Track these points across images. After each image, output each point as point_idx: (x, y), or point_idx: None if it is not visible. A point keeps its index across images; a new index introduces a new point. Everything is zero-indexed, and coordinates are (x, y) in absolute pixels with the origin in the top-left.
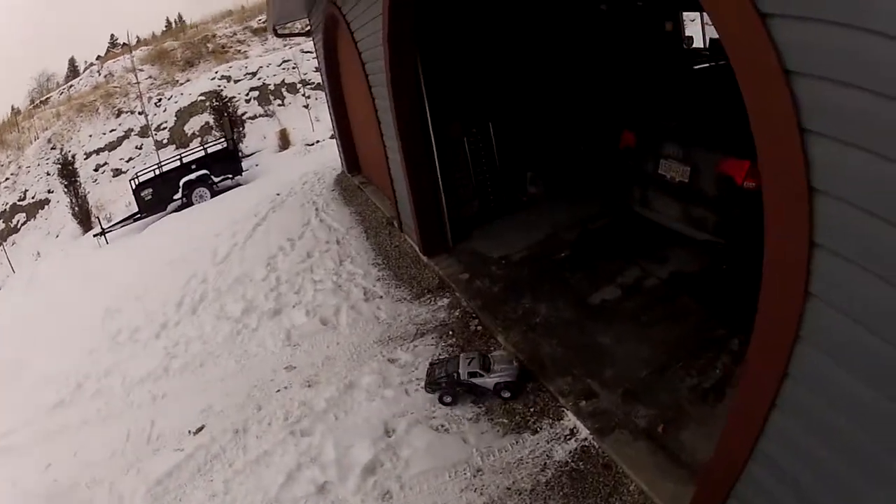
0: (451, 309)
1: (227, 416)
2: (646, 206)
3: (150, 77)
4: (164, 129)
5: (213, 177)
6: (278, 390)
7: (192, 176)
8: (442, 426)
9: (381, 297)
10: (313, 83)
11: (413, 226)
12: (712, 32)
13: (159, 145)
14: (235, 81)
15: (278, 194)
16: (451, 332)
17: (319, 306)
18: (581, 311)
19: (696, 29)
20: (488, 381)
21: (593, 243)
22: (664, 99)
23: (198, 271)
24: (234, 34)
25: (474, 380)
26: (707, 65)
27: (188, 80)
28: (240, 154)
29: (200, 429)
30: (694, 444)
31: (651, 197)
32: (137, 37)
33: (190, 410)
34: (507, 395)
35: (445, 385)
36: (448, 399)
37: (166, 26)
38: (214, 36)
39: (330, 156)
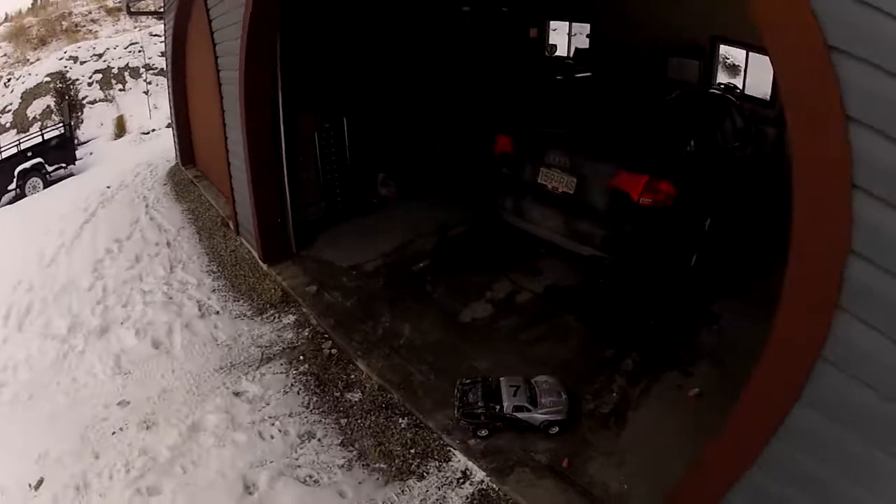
0: (299, 328)
1: (66, 466)
2: (520, 215)
3: (4, 55)
4: (9, 111)
5: (46, 165)
6: (114, 432)
7: (27, 164)
8: (310, 477)
9: (218, 312)
10: (157, 68)
11: (252, 228)
12: (579, 42)
13: (2, 129)
14: (82, 63)
15: (108, 187)
16: (301, 357)
17: (150, 324)
18: (450, 331)
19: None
20: (536, 416)
21: (455, 252)
22: (548, 106)
23: (24, 277)
24: (90, 12)
25: (519, 414)
26: (591, 73)
27: (38, 60)
28: (75, 141)
29: (40, 482)
30: (604, 476)
31: (527, 207)
32: (6, 13)
33: (26, 456)
34: (554, 430)
35: (485, 418)
36: (484, 433)
37: (32, 2)
38: (70, 13)
39: (165, 146)
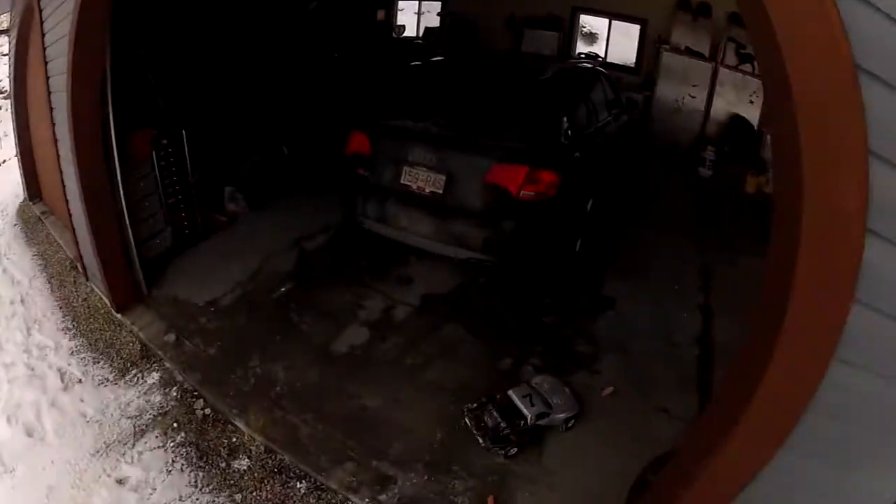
0: (166, 388)
1: None
2: (384, 222)
3: None
4: None
5: None
6: None
7: None
8: None
9: (81, 380)
10: (6, 91)
11: (98, 272)
12: (428, 21)
13: None
14: None
15: None
16: (175, 424)
17: (19, 406)
18: (329, 367)
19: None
20: (556, 418)
21: (316, 269)
22: (405, 95)
23: None
24: None
25: (542, 422)
26: (445, 56)
27: None
28: None
29: None
30: None
31: (391, 211)
32: None
33: None
34: (571, 424)
35: (514, 437)
36: (513, 451)
37: None
38: None
39: (16, 178)
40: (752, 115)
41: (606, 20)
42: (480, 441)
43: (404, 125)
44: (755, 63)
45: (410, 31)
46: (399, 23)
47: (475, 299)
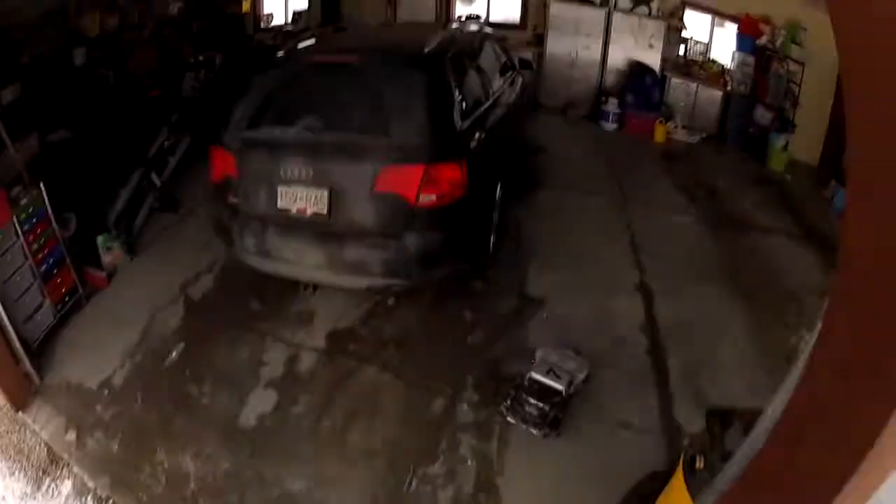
0: (80, 496)
1: None
2: (265, 255)
3: None
4: None
5: None
6: None
7: None
8: None
9: (4, 498)
10: None
11: None
12: (296, 4)
13: None
14: None
15: None
16: None
17: None
18: (240, 448)
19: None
20: (578, 380)
21: (206, 322)
22: (272, 97)
23: None
24: None
25: (571, 389)
26: (317, 41)
27: None
28: None
29: None
30: None
31: (272, 242)
32: None
33: None
34: (588, 381)
35: (560, 414)
36: (558, 429)
37: None
38: None
39: None
40: (653, 60)
41: None
42: (535, 431)
43: (271, 134)
44: (650, 4)
45: (280, 19)
46: (266, 12)
47: (388, 329)
